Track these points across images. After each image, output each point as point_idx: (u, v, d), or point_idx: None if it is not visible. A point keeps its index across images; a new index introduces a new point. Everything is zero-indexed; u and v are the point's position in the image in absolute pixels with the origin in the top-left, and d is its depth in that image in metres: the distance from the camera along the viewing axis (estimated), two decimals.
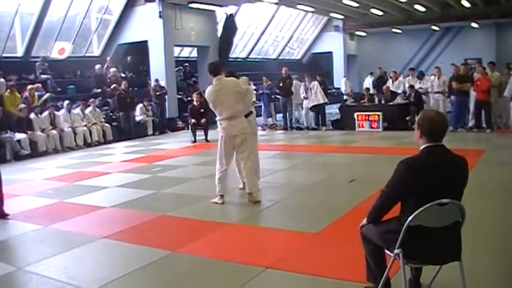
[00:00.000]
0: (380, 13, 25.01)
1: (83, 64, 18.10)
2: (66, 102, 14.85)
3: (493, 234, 5.42)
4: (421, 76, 17.89)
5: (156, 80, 17.63)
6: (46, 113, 14.03)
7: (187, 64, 21.15)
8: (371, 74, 23.71)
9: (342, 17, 26.99)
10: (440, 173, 3.37)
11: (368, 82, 23.29)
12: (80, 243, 5.70)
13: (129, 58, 18.97)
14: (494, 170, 8.84)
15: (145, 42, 18.32)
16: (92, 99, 15.76)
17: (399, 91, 16.53)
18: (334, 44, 29.53)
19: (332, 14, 26.40)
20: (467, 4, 23.38)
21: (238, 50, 25.56)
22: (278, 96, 17.24)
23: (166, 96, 17.81)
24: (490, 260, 4.68)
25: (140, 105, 16.89)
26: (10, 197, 8.34)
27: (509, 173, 8.71)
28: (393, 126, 15.04)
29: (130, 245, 5.60)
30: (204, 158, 11.72)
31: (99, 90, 17.18)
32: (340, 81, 26.97)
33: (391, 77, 18.46)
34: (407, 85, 16.65)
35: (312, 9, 24.31)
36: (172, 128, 17.92)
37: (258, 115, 17.85)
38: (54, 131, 13.87)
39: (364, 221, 3.76)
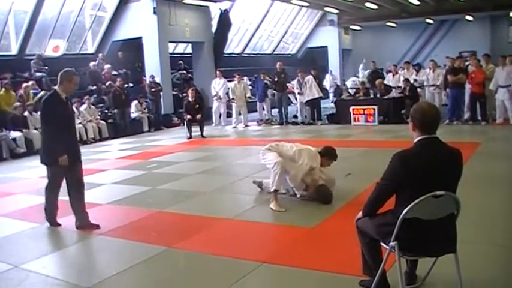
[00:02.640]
0: (374, 7, 24.99)
1: (77, 61, 17.97)
2: None
3: (488, 226, 5.44)
4: (418, 68, 17.91)
5: (152, 77, 17.60)
6: None
7: (181, 62, 21.09)
8: (363, 67, 23.72)
9: (336, 11, 26.97)
10: (434, 165, 3.38)
11: (361, 74, 23.27)
12: (76, 240, 5.72)
13: (120, 54, 18.85)
14: (489, 162, 8.87)
15: (140, 38, 18.29)
16: (86, 97, 15.72)
17: (399, 85, 16.50)
18: (329, 38, 29.45)
19: (326, 9, 26.38)
20: None
21: (233, 45, 25.51)
22: (273, 91, 17.26)
23: (161, 93, 17.79)
24: (486, 252, 4.70)
25: (135, 102, 16.85)
26: (7, 195, 8.38)
27: (504, 165, 8.73)
28: (388, 120, 15.08)
29: (126, 241, 5.61)
30: (200, 154, 11.73)
31: (94, 87, 17.15)
32: (336, 76, 26.90)
33: (390, 71, 18.45)
34: (402, 78, 16.66)
35: (306, 4, 24.26)
36: (167, 125, 17.90)
37: (254, 110, 17.96)
38: None
39: (360, 214, 3.78)
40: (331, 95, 23.47)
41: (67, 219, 6.62)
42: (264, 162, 6.94)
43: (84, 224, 6.14)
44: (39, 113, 13.55)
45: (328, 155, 7.08)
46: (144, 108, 17.18)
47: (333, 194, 6.86)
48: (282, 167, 6.63)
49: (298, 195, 6.95)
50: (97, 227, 6.09)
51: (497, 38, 27.45)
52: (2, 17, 15.65)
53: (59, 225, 6.28)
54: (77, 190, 6.27)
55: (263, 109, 17.67)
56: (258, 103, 17.69)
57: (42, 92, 14.98)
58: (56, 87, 6.11)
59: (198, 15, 19.70)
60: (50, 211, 6.32)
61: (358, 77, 22.03)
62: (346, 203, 6.59)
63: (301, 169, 6.70)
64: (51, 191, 6.27)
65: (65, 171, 6.10)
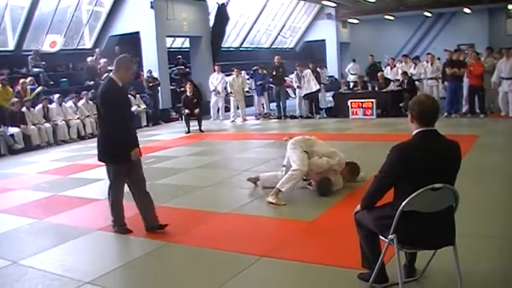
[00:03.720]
0: (372, 0, 24.93)
1: (75, 57, 18.01)
2: (57, 95, 14.78)
3: (486, 219, 5.44)
4: (416, 60, 17.89)
5: (149, 71, 17.56)
6: (39, 106, 13.97)
7: (180, 56, 21.02)
8: (353, 61, 23.71)
9: (334, 4, 26.87)
10: (433, 157, 3.38)
11: (352, 69, 23.22)
12: (75, 235, 5.70)
13: (116, 48, 18.80)
14: (487, 154, 8.86)
15: (137, 33, 18.22)
16: (84, 92, 15.67)
17: (397, 77, 16.48)
18: (326, 32, 29.40)
19: (324, 2, 26.25)
20: None
21: (231, 39, 25.47)
22: (271, 85, 17.23)
23: (159, 88, 17.76)
24: (484, 245, 4.70)
25: (129, 96, 16.69)
26: (5, 191, 8.36)
27: (503, 157, 8.75)
28: (387, 113, 15.06)
29: (125, 236, 5.60)
30: (198, 148, 11.71)
31: (92, 82, 17.10)
32: (333, 70, 26.84)
33: (388, 64, 18.43)
34: (400, 72, 16.65)
35: None
36: (166, 119, 17.87)
37: (251, 104, 17.94)
38: (47, 124, 13.82)
39: (358, 207, 3.78)
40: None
41: (63, 215, 6.63)
42: (289, 159, 6.82)
43: (154, 226, 5.63)
44: (37, 108, 13.79)
45: (351, 168, 7.10)
46: (140, 102, 17.10)
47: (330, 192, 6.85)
48: (301, 177, 6.67)
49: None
50: (165, 226, 5.64)
51: (495, 31, 27.42)
52: None
53: (131, 231, 5.64)
54: (142, 188, 5.66)
55: (262, 103, 17.62)
56: (256, 96, 17.65)
57: (40, 88, 14.96)
58: (111, 75, 5.52)
59: (195, 9, 19.65)
60: (119, 216, 5.67)
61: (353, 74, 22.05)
62: (345, 196, 6.60)
63: (327, 164, 6.75)
64: (117, 192, 5.63)
65: (128, 167, 5.53)
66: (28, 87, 14.42)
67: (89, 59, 17.46)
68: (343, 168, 6.97)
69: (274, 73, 16.73)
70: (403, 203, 3.29)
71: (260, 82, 17.20)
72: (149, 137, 14.12)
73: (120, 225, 5.68)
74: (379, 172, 3.59)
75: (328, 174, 6.82)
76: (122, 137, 5.44)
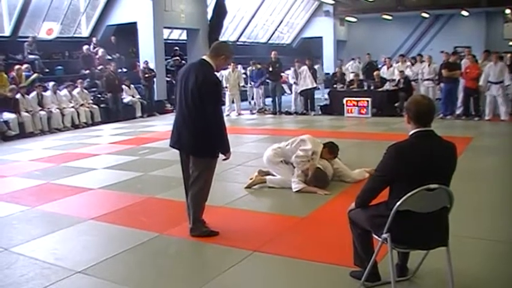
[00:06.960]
0: None
1: (71, 45, 17.93)
2: (52, 83, 14.71)
3: (479, 221, 5.46)
4: (414, 62, 17.91)
5: (146, 62, 17.50)
6: (34, 93, 13.89)
7: (177, 48, 20.96)
8: (353, 59, 23.66)
9: (332, 2, 26.91)
10: (429, 158, 3.38)
11: (351, 67, 23.16)
12: (67, 224, 5.68)
13: (112, 38, 18.75)
14: (481, 156, 8.92)
15: (135, 23, 18.13)
16: (79, 80, 15.61)
17: (393, 77, 16.48)
18: (324, 29, 29.43)
19: None
20: None
21: (228, 33, 25.39)
22: (267, 81, 17.22)
23: (155, 79, 17.71)
24: (477, 246, 4.72)
25: (123, 86, 16.66)
26: None
27: (496, 160, 8.78)
28: (382, 112, 15.07)
29: (118, 226, 5.59)
30: None
31: (87, 71, 17.05)
32: (330, 67, 26.76)
33: (384, 64, 18.43)
34: (396, 72, 16.65)
35: None
36: (160, 111, 17.82)
37: (247, 99, 17.92)
38: (42, 112, 13.76)
39: (353, 205, 3.78)
40: None
41: (56, 203, 6.61)
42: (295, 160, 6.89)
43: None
44: (31, 95, 13.71)
45: (329, 147, 7.21)
46: (134, 92, 17.04)
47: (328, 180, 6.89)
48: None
49: (294, 188, 6.85)
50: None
51: (492, 34, 27.51)
52: None
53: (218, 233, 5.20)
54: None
55: (259, 97, 17.60)
56: (254, 89, 17.60)
57: (35, 75, 14.88)
58: (206, 59, 4.91)
59: (193, 1, 19.58)
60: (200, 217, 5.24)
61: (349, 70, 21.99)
62: (338, 194, 6.60)
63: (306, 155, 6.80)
64: (206, 191, 5.27)
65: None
66: (23, 73, 14.35)
67: (85, 47, 17.39)
68: (322, 149, 7.05)
69: (270, 69, 16.72)
70: (398, 203, 3.29)
71: (261, 81, 17.21)
72: (143, 128, 14.11)
73: (204, 227, 5.21)
74: (375, 171, 3.59)
75: (314, 164, 6.85)
76: (223, 128, 4.95)
